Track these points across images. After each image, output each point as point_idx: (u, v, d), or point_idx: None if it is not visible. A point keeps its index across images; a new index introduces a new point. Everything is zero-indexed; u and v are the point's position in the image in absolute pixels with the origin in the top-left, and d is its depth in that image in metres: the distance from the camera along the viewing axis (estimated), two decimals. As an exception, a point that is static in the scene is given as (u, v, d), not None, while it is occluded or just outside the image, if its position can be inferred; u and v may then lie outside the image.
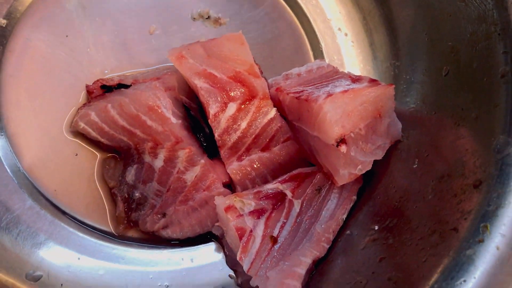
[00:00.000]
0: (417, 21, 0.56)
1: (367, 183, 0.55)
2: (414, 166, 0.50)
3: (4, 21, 0.56)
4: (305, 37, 0.62)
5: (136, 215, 0.53)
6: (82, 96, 0.58)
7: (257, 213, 0.48)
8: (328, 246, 0.50)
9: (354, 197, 0.52)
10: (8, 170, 0.54)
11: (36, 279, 0.48)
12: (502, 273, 0.37)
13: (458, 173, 0.45)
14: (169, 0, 0.62)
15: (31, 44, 0.57)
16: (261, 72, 0.57)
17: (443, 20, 0.53)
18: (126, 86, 0.55)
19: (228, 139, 0.53)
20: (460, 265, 0.38)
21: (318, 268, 0.50)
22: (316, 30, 0.62)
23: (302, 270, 0.46)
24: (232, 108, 0.53)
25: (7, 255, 0.48)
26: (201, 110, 0.55)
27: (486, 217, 0.39)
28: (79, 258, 0.51)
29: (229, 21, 0.61)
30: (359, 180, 0.52)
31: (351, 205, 0.52)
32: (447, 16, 0.53)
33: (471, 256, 0.38)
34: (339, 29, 0.62)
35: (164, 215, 0.53)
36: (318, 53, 0.62)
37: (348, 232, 0.52)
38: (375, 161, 0.52)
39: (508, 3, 0.46)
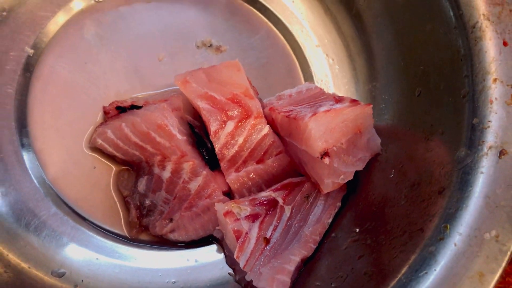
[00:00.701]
0: (393, 48, 0.60)
1: (351, 191, 0.58)
2: (391, 176, 0.54)
3: (31, 51, 0.60)
4: (296, 62, 0.67)
5: (147, 220, 0.57)
6: (99, 116, 0.62)
7: (252, 217, 0.52)
8: (315, 247, 0.54)
9: (339, 204, 0.56)
10: (35, 181, 0.57)
11: (61, 275, 0.52)
12: (458, 266, 0.42)
13: (426, 181, 0.49)
14: (176, 30, 0.65)
15: (55, 70, 0.62)
16: (257, 93, 0.61)
17: (415, 47, 0.58)
18: (138, 107, 0.59)
19: (227, 153, 0.57)
20: (423, 260, 0.43)
21: (306, 266, 0.54)
22: (306, 55, 0.67)
23: (291, 267, 0.50)
24: (230, 125, 0.56)
25: (35, 254, 0.53)
26: (204, 127, 0.59)
27: (447, 218, 0.44)
28: (97, 258, 0.56)
29: (229, 49, 0.65)
30: (343, 188, 0.57)
31: (335, 211, 0.56)
32: (419, 44, 0.57)
33: (433, 252, 0.43)
34: (326, 54, 0.67)
35: (171, 220, 0.57)
36: (308, 76, 0.66)
37: (333, 234, 0.56)
38: (358, 172, 0.56)
39: (469, 34, 0.49)
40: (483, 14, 0.49)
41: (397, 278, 0.43)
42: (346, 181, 0.55)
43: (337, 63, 0.66)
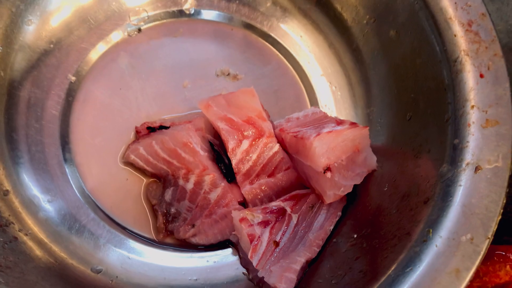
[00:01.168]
0: (387, 78, 0.64)
1: (350, 202, 0.63)
2: (385, 189, 0.59)
3: (73, 78, 0.66)
4: (303, 89, 0.71)
5: (172, 226, 0.62)
6: (132, 135, 0.66)
7: (264, 223, 0.57)
8: (318, 250, 0.59)
9: (339, 213, 0.61)
10: (76, 191, 0.63)
11: (99, 271, 0.58)
12: (438, 263, 0.47)
13: (414, 193, 0.54)
14: (199, 61, 0.70)
15: (93, 95, 0.67)
16: (269, 116, 0.66)
17: (407, 77, 0.61)
18: (166, 127, 0.64)
19: (242, 167, 0.61)
20: (410, 259, 0.48)
21: (310, 266, 0.58)
22: (312, 83, 0.71)
23: (297, 267, 0.56)
24: (245, 144, 0.61)
25: (77, 252, 0.59)
26: (222, 145, 0.63)
27: (430, 224, 0.49)
28: (129, 257, 0.61)
29: (244, 77, 0.70)
30: (343, 199, 0.62)
31: (337, 219, 0.61)
32: (410, 75, 0.61)
33: (418, 252, 0.48)
34: (330, 83, 0.71)
35: (193, 226, 0.61)
36: (314, 101, 0.70)
37: (334, 239, 0.61)
38: (357, 185, 0.60)
39: (452, 67, 0.54)
40: (463, 50, 0.54)
41: (387, 274, 0.48)
42: (346, 193, 0.59)
43: (339, 90, 0.71)
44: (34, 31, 0.64)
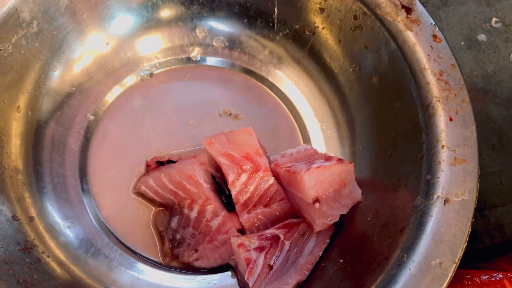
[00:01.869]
0: (370, 119, 0.69)
1: (337, 230, 0.67)
2: (368, 219, 0.63)
3: (92, 117, 0.72)
4: (297, 128, 0.76)
5: (177, 250, 0.66)
6: (143, 168, 0.70)
7: (260, 249, 0.62)
8: (308, 273, 0.63)
9: (328, 240, 0.65)
10: (92, 219, 0.68)
11: None
12: (410, 285, 0.51)
13: (393, 222, 0.59)
14: (203, 102, 0.75)
15: (109, 132, 0.72)
16: (265, 152, 0.70)
17: (387, 119, 0.66)
18: (173, 162, 0.68)
19: (241, 198, 0.65)
20: (386, 281, 0.52)
21: None
22: (305, 123, 0.76)
23: None
24: (244, 177, 0.65)
25: (93, 272, 0.63)
26: (223, 178, 0.67)
27: (405, 249, 0.53)
28: (138, 278, 0.65)
29: (244, 117, 0.75)
30: (331, 228, 0.66)
31: (325, 246, 0.65)
32: (390, 117, 0.65)
33: (394, 275, 0.52)
34: (321, 123, 0.76)
35: (196, 250, 0.65)
36: (306, 139, 0.75)
37: (322, 264, 0.65)
38: (343, 215, 0.64)
39: (425, 111, 0.59)
40: (435, 97, 0.59)
41: (366, 295, 0.52)
42: (333, 222, 0.62)
43: (328, 129, 0.75)
44: (58, 76, 0.71)
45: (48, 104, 0.70)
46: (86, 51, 0.74)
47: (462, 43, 0.82)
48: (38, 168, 0.68)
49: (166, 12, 0.77)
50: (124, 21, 0.75)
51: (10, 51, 0.64)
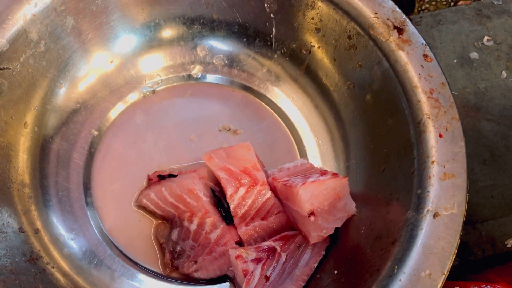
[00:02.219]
0: (364, 135, 0.71)
1: (332, 242, 0.68)
2: (362, 231, 0.65)
3: (96, 132, 0.75)
4: (294, 143, 0.78)
5: (177, 262, 0.68)
6: (144, 182, 0.73)
7: (257, 260, 0.63)
8: (303, 284, 0.64)
9: (323, 252, 0.67)
10: (95, 231, 0.70)
11: None
12: None
13: (385, 235, 0.60)
14: (203, 118, 0.77)
15: (112, 147, 0.75)
16: (263, 166, 0.72)
17: (381, 135, 0.68)
18: (174, 176, 0.70)
19: (239, 211, 0.67)
20: None
21: None
22: (302, 138, 0.78)
23: None
24: (242, 191, 0.67)
25: (96, 282, 0.65)
26: (222, 192, 0.68)
27: (396, 261, 0.55)
28: None
29: (243, 132, 0.77)
30: (327, 240, 0.67)
31: (320, 258, 0.67)
32: (383, 133, 0.67)
33: (385, 285, 0.54)
34: (317, 138, 0.78)
35: (196, 262, 0.67)
36: (303, 154, 0.77)
37: (318, 275, 0.66)
38: (338, 228, 0.65)
39: (416, 127, 0.61)
40: (426, 114, 0.61)
41: (359, 304, 0.54)
42: (328, 234, 0.64)
43: (324, 145, 0.78)
44: (64, 93, 0.74)
45: (54, 120, 0.73)
46: (91, 69, 0.77)
47: (455, 61, 0.85)
48: (44, 182, 0.70)
49: (168, 32, 0.80)
50: (127, 40, 0.79)
51: (18, 69, 0.67)
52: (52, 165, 0.72)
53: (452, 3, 0.99)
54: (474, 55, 0.88)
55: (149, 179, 0.73)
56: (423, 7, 1.06)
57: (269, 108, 0.81)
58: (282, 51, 0.80)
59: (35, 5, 0.67)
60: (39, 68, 0.70)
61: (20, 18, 0.67)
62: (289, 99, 0.82)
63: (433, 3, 1.05)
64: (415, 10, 1.06)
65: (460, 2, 0.95)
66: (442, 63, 0.85)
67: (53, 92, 0.73)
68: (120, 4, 0.74)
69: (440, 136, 0.61)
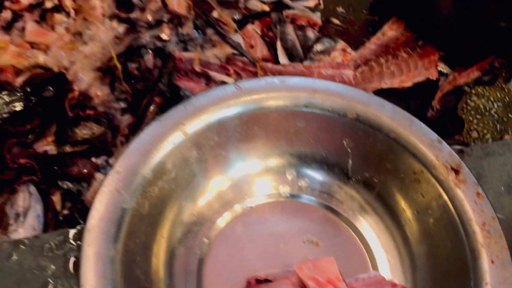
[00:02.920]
0: (427, 254, 0.82)
1: None
2: None
3: (207, 241, 0.92)
4: (367, 257, 0.88)
5: None
6: (244, 286, 0.82)
7: None
8: None
9: None
10: None
11: None
12: None
13: None
14: (291, 231, 0.87)
15: (219, 254, 0.87)
16: (342, 275, 0.82)
17: (441, 257, 0.79)
18: (270, 281, 0.80)
19: None
20: None
21: None
22: (374, 253, 0.88)
23: None
24: None
25: None
26: None
27: None
28: None
29: (323, 245, 0.89)
30: None
31: None
32: (444, 255, 0.80)
33: None
34: (386, 253, 0.88)
35: None
36: (374, 267, 0.86)
37: None
38: None
39: (472, 253, 0.76)
40: (480, 243, 0.74)
41: None
42: None
43: (392, 260, 0.87)
44: (186, 208, 0.93)
45: (178, 232, 0.91)
46: (210, 189, 0.96)
47: (502, 188, 1.00)
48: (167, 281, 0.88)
49: (272, 162, 1.00)
50: (240, 168, 0.99)
51: (156, 192, 0.88)
52: (174, 267, 0.89)
53: (498, 135, 1.16)
54: (519, 183, 1.02)
55: (248, 283, 0.79)
56: (471, 127, 1.25)
57: (345, 225, 0.94)
58: (357, 178, 0.98)
59: (173, 143, 0.89)
60: (170, 191, 0.90)
61: (161, 153, 0.88)
62: (362, 219, 0.97)
63: (481, 124, 1.24)
64: (464, 130, 1.25)
65: (506, 137, 1.13)
66: (491, 190, 1.00)
67: (180, 208, 0.92)
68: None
69: (492, 262, 0.72)
